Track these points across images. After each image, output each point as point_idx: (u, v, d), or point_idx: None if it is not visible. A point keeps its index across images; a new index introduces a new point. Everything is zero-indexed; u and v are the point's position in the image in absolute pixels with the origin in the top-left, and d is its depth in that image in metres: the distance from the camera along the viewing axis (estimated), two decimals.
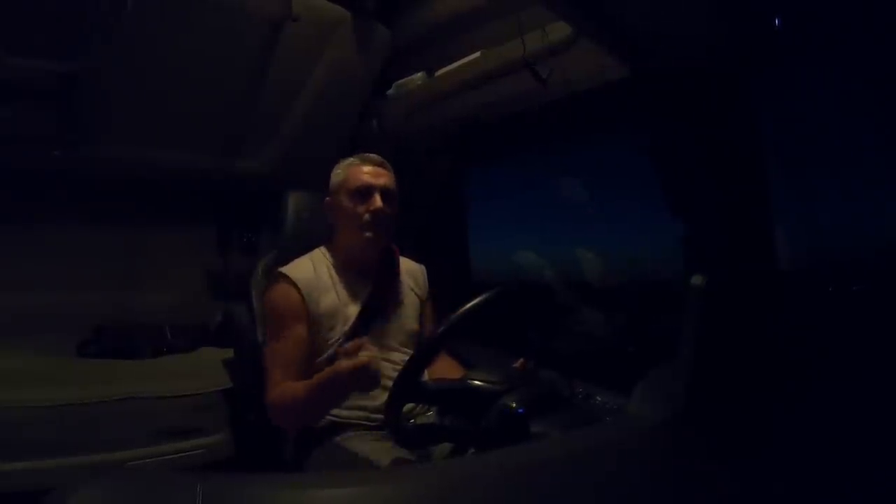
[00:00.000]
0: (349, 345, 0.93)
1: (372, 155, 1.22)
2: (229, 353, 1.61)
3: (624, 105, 1.31)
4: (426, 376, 1.00)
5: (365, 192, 1.16)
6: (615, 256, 1.63)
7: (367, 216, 1.15)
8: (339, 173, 1.21)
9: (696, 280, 0.67)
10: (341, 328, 1.14)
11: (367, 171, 1.18)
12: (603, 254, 1.65)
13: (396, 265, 1.25)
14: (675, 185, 1.04)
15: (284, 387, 1.06)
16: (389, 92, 1.84)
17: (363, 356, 0.89)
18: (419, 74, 1.73)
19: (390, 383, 0.93)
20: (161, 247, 2.03)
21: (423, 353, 0.92)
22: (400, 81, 1.79)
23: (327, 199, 1.22)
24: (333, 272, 1.19)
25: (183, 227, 2.09)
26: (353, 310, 1.16)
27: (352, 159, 1.21)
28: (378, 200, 1.15)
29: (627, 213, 1.59)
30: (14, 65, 1.43)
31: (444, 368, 1.23)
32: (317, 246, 1.25)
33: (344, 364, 0.90)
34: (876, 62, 0.84)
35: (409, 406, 1.07)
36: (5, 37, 1.38)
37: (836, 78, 0.90)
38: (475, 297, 0.91)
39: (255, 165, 1.96)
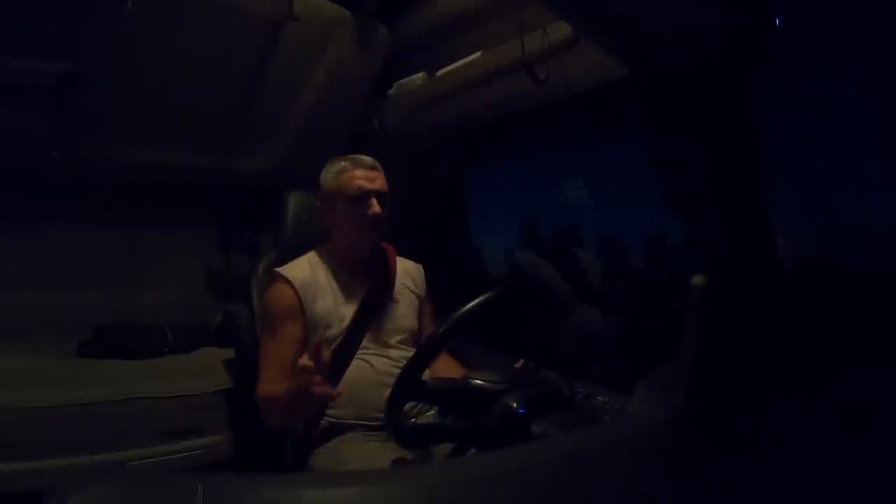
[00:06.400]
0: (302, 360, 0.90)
1: (364, 157, 1.21)
2: (230, 353, 1.61)
3: (624, 105, 1.31)
4: (427, 376, 1.00)
5: (363, 197, 1.16)
6: (615, 256, 1.63)
7: (365, 220, 1.15)
8: (331, 177, 1.20)
9: (697, 280, 0.67)
10: (338, 327, 1.14)
11: (363, 176, 1.17)
12: (603, 253, 1.65)
13: (391, 264, 1.26)
14: (675, 184, 1.04)
15: (272, 384, 1.07)
16: (390, 92, 1.83)
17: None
18: (420, 74, 1.73)
19: (390, 381, 0.93)
20: (162, 247, 2.02)
21: (424, 352, 0.92)
22: (400, 81, 1.79)
23: (318, 202, 1.22)
24: (329, 272, 1.19)
25: (183, 227, 2.08)
26: (350, 309, 1.17)
27: (343, 163, 1.20)
28: (376, 205, 1.16)
29: (628, 212, 1.59)
30: (14, 66, 1.43)
31: (445, 368, 1.23)
32: (318, 245, 1.25)
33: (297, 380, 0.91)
34: (877, 61, 0.84)
35: (409, 406, 1.07)
36: (5, 38, 1.38)
37: (837, 77, 0.90)
38: (476, 296, 0.91)
39: (255, 165, 1.95)
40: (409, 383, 0.88)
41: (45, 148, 1.61)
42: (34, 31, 1.39)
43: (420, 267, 1.34)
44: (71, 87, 1.51)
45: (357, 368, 1.13)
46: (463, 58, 1.55)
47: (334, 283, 1.18)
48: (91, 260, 1.87)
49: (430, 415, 1.12)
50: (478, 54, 1.51)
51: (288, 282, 1.14)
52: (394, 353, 1.17)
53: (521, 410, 0.81)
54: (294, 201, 1.37)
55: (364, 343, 1.16)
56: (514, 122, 1.64)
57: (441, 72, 1.63)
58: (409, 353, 1.16)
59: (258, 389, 1.09)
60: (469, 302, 0.90)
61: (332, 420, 1.12)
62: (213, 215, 2.16)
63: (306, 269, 1.18)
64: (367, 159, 1.21)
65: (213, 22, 1.54)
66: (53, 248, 1.79)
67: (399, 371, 0.92)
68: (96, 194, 1.85)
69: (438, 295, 1.36)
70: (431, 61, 1.68)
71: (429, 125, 1.81)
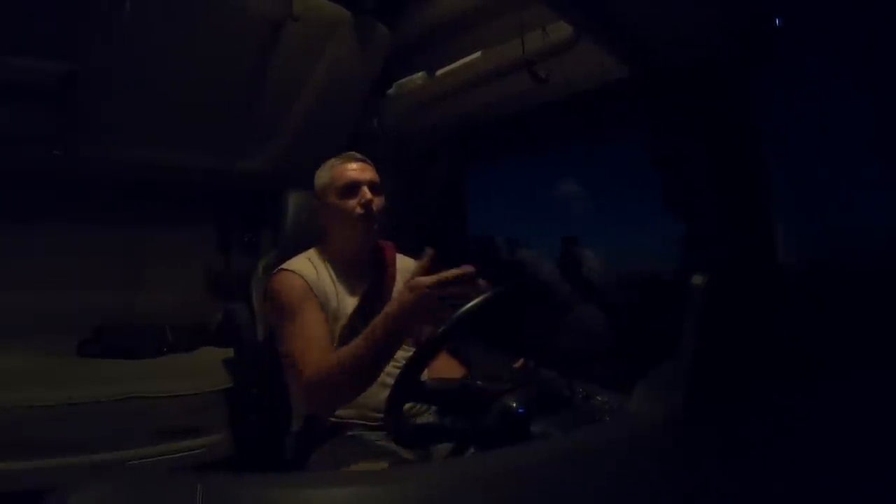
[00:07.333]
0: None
1: (353, 153, 1.23)
2: (230, 352, 1.62)
3: (624, 105, 1.31)
4: (426, 376, 1.00)
5: (353, 188, 1.17)
6: (615, 256, 1.63)
7: (359, 209, 1.16)
8: (323, 175, 1.22)
9: (697, 279, 0.67)
10: (341, 325, 1.14)
11: (352, 168, 1.19)
12: (603, 253, 1.65)
13: (391, 261, 1.26)
14: (675, 184, 1.04)
15: (324, 360, 0.99)
16: (390, 91, 1.84)
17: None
18: (420, 74, 1.73)
19: (390, 380, 0.93)
20: (162, 246, 2.03)
21: (423, 352, 0.92)
22: (400, 81, 1.79)
23: (315, 202, 1.23)
24: (330, 270, 1.19)
25: (183, 226, 2.09)
26: (352, 307, 1.16)
27: (333, 160, 1.22)
28: (368, 192, 1.17)
29: (628, 212, 1.59)
30: (14, 65, 1.43)
31: (445, 368, 1.23)
32: (315, 245, 1.25)
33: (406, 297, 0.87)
34: (877, 61, 0.84)
35: (409, 405, 1.07)
36: (5, 37, 1.38)
37: (837, 77, 0.90)
38: (475, 296, 0.91)
39: (255, 165, 1.96)
40: (408, 383, 0.88)
41: (46, 148, 1.62)
42: (34, 30, 1.39)
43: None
44: (71, 87, 1.51)
45: None
46: (463, 58, 1.55)
47: (336, 282, 1.18)
48: (91, 260, 1.87)
49: (430, 415, 1.12)
50: (477, 54, 1.51)
51: (296, 273, 1.14)
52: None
53: (520, 410, 0.81)
54: (294, 201, 1.37)
55: None
56: (513, 121, 1.65)
57: (441, 71, 1.63)
58: (410, 352, 1.15)
59: (308, 374, 0.98)
60: (468, 302, 0.89)
61: (332, 419, 1.11)
62: (213, 215, 2.17)
63: (309, 266, 1.17)
64: (357, 154, 1.23)
65: (212, 22, 1.54)
66: (53, 248, 1.80)
67: (399, 371, 0.92)
68: (96, 194, 1.86)
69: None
70: (431, 61, 1.68)
71: (428, 125, 1.81)
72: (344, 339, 1.13)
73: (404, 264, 1.30)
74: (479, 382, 0.87)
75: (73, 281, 1.82)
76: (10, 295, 1.68)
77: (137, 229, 1.98)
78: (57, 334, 1.73)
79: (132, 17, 1.43)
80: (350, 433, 1.10)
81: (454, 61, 1.58)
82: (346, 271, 1.20)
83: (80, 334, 1.80)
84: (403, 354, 1.15)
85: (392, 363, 1.13)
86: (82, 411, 1.38)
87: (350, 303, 1.17)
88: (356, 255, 1.21)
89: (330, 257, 1.22)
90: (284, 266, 1.16)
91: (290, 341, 1.06)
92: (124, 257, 1.96)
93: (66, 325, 1.76)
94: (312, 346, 1.03)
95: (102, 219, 1.90)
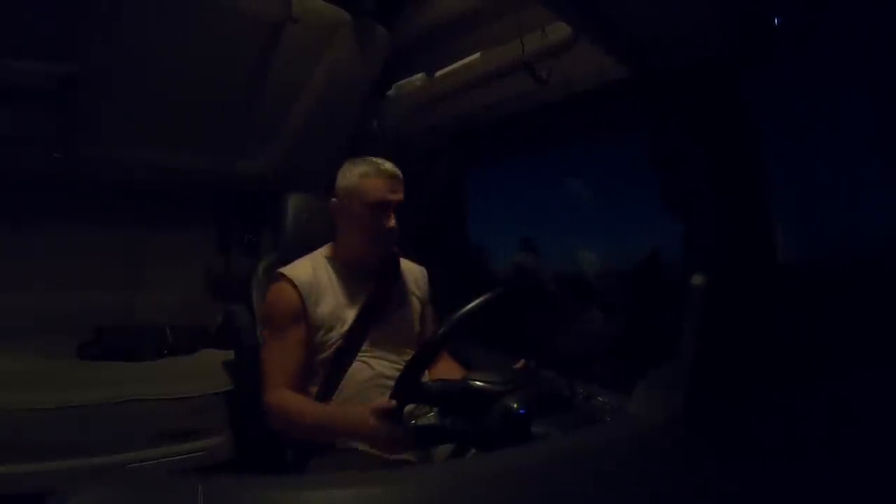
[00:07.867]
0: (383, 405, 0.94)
1: (388, 165, 1.17)
2: (230, 354, 1.61)
3: (624, 105, 1.31)
4: (427, 377, 1.00)
5: (384, 207, 1.14)
6: (615, 256, 1.63)
7: (383, 231, 1.15)
8: (352, 179, 1.16)
9: (697, 279, 0.67)
10: (339, 330, 1.14)
11: (386, 186, 1.14)
12: (603, 254, 1.65)
13: (397, 267, 1.25)
14: (675, 184, 1.05)
15: (287, 395, 1.07)
16: (389, 93, 1.84)
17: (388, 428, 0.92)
18: (419, 75, 1.73)
19: (390, 383, 0.93)
20: (162, 247, 2.02)
21: (424, 353, 0.92)
22: (400, 82, 1.79)
23: (334, 200, 1.19)
24: (333, 274, 1.19)
25: (183, 227, 2.08)
26: (352, 312, 1.16)
27: (366, 167, 1.16)
28: (394, 219, 1.15)
29: (627, 213, 1.59)
30: (15, 67, 1.43)
31: (445, 370, 1.23)
32: (318, 247, 1.25)
33: (370, 423, 0.93)
34: (876, 60, 0.84)
35: (409, 407, 1.07)
36: (6, 38, 1.38)
37: (837, 77, 0.90)
38: (475, 297, 0.91)
39: (255, 166, 1.96)
40: (408, 385, 0.88)
41: (46, 148, 1.61)
42: (34, 31, 1.39)
43: (424, 270, 1.33)
44: (71, 88, 1.51)
45: (357, 371, 1.13)
46: (462, 59, 1.55)
47: (337, 285, 1.18)
48: (91, 260, 1.86)
49: (431, 416, 1.12)
50: (477, 55, 1.51)
51: (291, 283, 1.13)
52: (394, 356, 1.17)
53: (521, 411, 0.81)
54: (293, 203, 1.37)
55: (365, 346, 1.15)
56: (513, 122, 1.65)
57: (440, 73, 1.63)
58: (410, 356, 1.16)
59: (268, 397, 1.08)
60: (468, 303, 0.90)
61: None
62: (213, 216, 2.16)
63: (309, 270, 1.17)
64: (391, 168, 1.17)
65: (212, 23, 1.54)
66: (53, 248, 1.79)
67: (399, 373, 0.92)
68: (96, 194, 1.85)
69: (438, 296, 1.36)
70: (431, 62, 1.68)
71: (428, 126, 1.81)
72: (344, 345, 1.13)
73: (408, 269, 1.30)
74: (479, 383, 0.87)
75: (73, 281, 1.82)
76: (10, 296, 1.68)
77: (137, 229, 1.98)
78: (57, 335, 1.72)
79: (132, 17, 1.43)
80: None
81: (454, 62, 1.58)
82: (351, 275, 1.20)
83: (80, 335, 1.79)
84: (404, 358, 1.15)
85: (393, 366, 1.14)
86: (82, 414, 1.37)
87: (351, 307, 1.17)
88: (364, 261, 1.20)
89: (336, 259, 1.21)
90: (284, 271, 1.16)
91: (266, 352, 1.15)
92: (124, 257, 1.96)
93: (66, 327, 1.76)
94: (278, 370, 1.10)
95: (102, 219, 1.89)
